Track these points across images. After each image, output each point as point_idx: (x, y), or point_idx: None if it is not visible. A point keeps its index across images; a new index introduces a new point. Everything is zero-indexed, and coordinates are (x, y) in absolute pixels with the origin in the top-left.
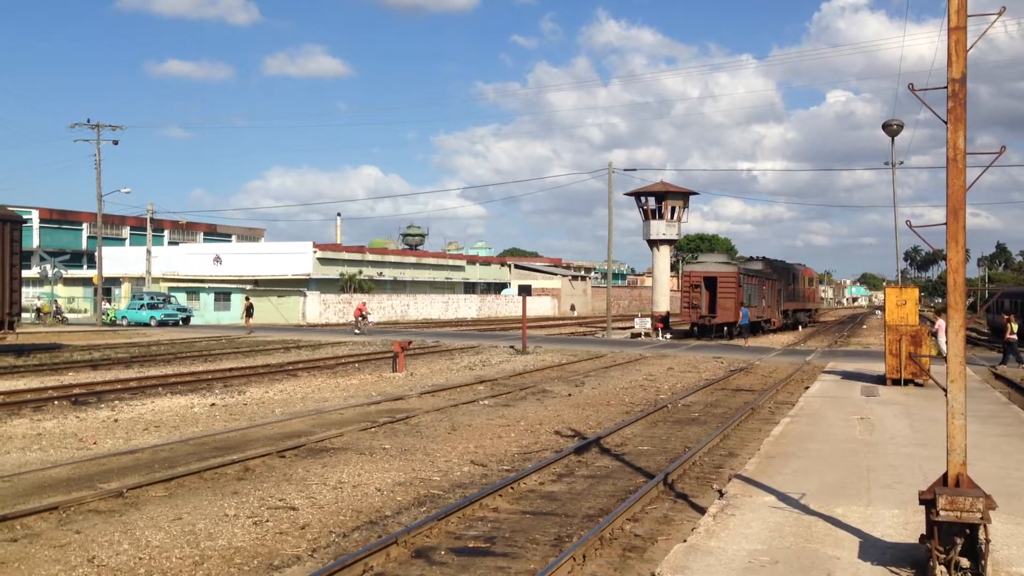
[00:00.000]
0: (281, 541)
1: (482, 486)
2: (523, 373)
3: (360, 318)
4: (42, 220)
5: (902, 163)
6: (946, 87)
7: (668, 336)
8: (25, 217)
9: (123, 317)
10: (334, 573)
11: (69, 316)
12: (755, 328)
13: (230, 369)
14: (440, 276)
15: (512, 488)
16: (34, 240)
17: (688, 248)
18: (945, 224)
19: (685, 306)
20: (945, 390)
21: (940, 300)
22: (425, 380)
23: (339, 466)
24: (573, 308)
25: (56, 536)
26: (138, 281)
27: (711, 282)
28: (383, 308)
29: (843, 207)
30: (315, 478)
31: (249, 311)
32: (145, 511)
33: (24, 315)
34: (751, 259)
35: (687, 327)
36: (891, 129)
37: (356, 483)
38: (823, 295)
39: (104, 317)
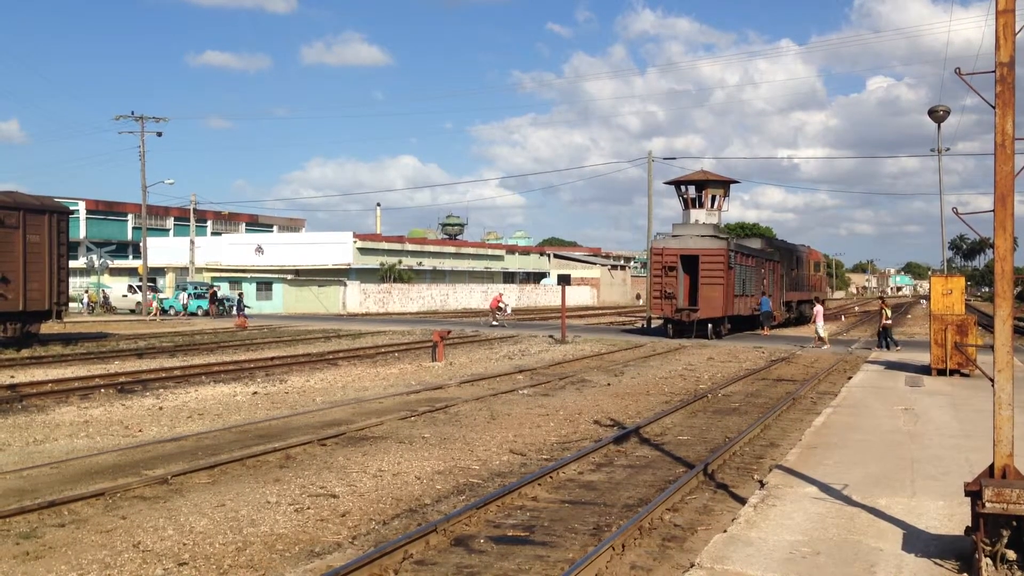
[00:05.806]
0: (322, 528)
1: (521, 475)
2: (562, 363)
3: (498, 309)
4: (88, 211)
5: (948, 150)
6: (994, 71)
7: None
8: (72, 208)
9: (171, 307)
10: (374, 560)
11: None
12: (754, 323)
13: (271, 358)
14: (479, 266)
15: (551, 477)
16: (81, 231)
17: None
18: (992, 211)
19: (656, 296)
20: (992, 380)
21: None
22: (464, 369)
23: (379, 454)
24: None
25: (102, 522)
26: (182, 271)
27: (691, 263)
28: (423, 298)
29: (887, 195)
30: (355, 466)
31: (213, 298)
32: (189, 498)
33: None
34: (746, 236)
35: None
36: (937, 115)
37: (396, 471)
38: (866, 284)
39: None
